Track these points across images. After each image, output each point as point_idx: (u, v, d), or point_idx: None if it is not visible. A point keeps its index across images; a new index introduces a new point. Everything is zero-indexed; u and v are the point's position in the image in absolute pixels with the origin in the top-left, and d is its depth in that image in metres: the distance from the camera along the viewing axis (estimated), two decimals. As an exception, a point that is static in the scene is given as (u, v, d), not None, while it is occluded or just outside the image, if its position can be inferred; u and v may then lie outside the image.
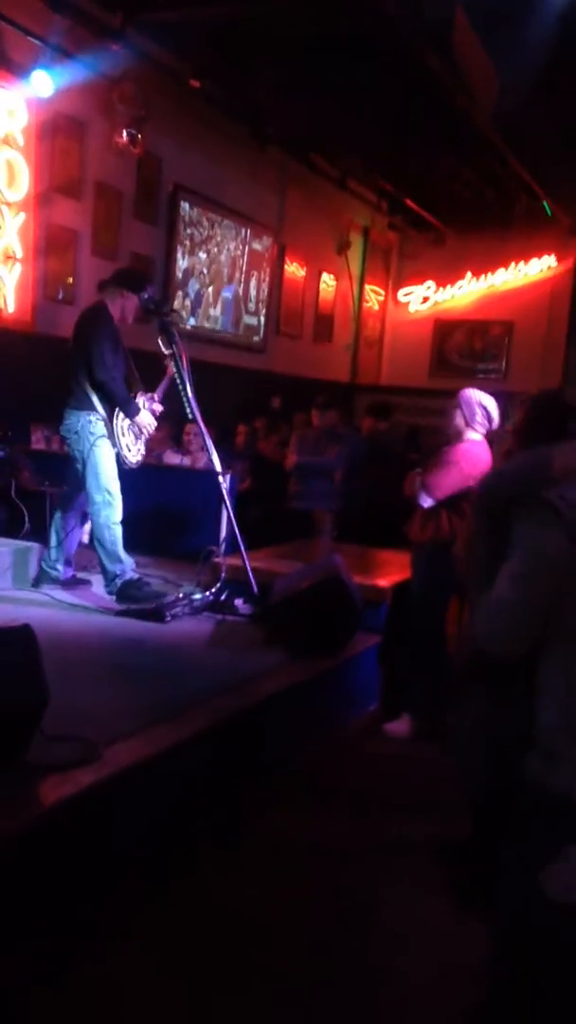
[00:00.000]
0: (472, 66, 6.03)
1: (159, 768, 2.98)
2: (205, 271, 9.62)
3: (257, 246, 10.48)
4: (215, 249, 9.72)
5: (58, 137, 7.40)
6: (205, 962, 2.60)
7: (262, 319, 10.76)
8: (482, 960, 2.04)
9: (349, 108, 8.30)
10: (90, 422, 4.81)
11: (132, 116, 7.83)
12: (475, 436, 4.63)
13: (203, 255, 9.54)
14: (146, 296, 4.90)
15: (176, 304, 8.84)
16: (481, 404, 4.60)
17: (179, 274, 9.14)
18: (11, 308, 7.02)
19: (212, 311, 9.85)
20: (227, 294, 10.07)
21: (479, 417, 4.59)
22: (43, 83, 6.71)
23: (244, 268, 10.30)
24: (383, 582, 4.91)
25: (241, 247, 10.19)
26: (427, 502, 4.56)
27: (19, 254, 7.02)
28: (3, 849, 2.34)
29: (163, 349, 4.81)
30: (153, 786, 2.98)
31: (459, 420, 4.61)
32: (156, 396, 5.06)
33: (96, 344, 4.73)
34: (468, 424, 4.60)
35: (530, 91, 5.86)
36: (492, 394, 4.66)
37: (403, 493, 4.82)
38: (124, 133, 7.79)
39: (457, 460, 4.55)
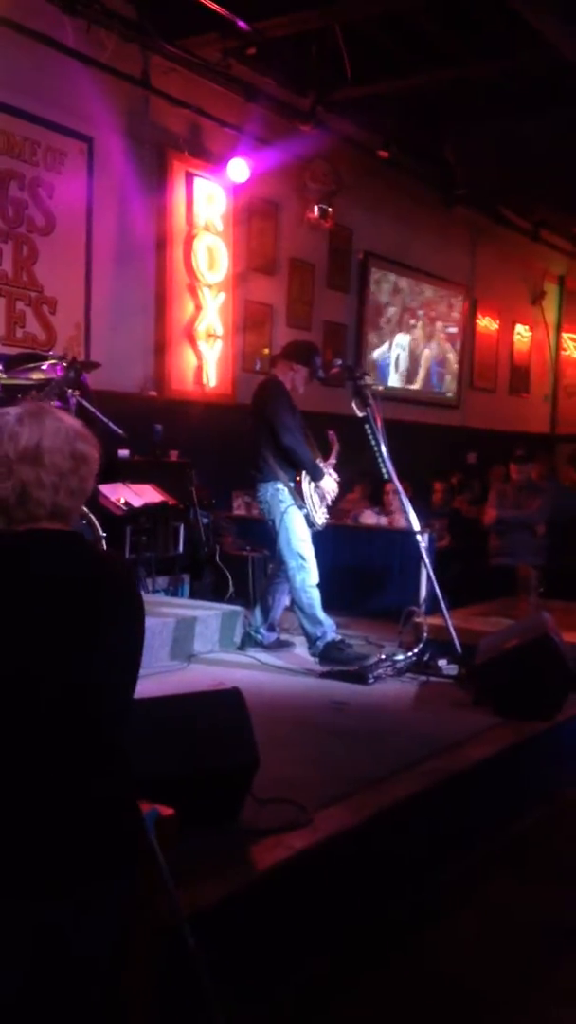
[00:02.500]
0: None
1: (368, 834, 2.95)
2: (397, 333, 9.73)
3: (448, 304, 10.50)
4: (407, 310, 9.82)
5: (254, 219, 7.79)
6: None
7: (455, 375, 10.71)
8: None
9: (537, 159, 8.23)
10: (278, 490, 4.98)
11: (323, 192, 8.13)
12: None
13: (395, 317, 9.66)
14: (315, 367, 5.08)
15: (367, 365, 8.99)
16: None
17: (372, 337, 9.30)
18: (213, 382, 7.39)
19: (405, 370, 9.92)
20: (420, 352, 10.12)
21: None
22: (240, 170, 7.11)
23: (436, 326, 10.33)
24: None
25: (433, 306, 10.25)
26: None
27: (220, 331, 7.39)
28: (216, 913, 2.37)
29: (357, 412, 4.90)
30: (361, 852, 2.94)
31: None
32: (331, 461, 5.18)
33: (275, 414, 4.94)
34: None
35: None
36: None
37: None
38: (315, 208, 8.09)
39: None
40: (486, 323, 11.32)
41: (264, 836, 2.74)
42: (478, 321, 11.14)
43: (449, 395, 10.69)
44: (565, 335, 13.23)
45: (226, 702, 2.86)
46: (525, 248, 11.32)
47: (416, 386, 10.12)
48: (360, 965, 2.77)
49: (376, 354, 9.43)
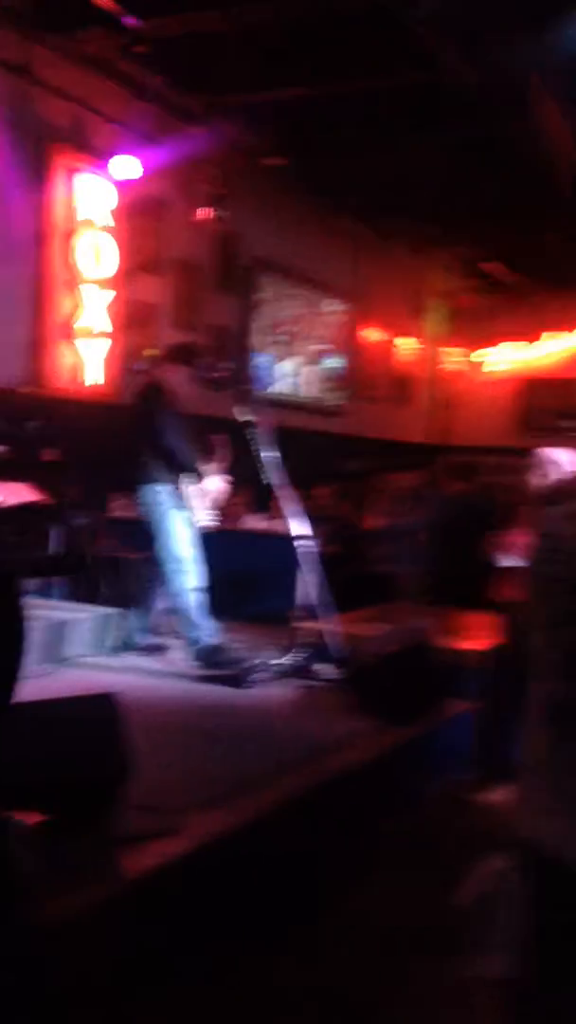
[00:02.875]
0: (551, 129, 6.05)
1: (242, 840, 2.90)
2: (283, 339, 9.77)
3: (334, 313, 10.61)
4: (292, 317, 9.87)
5: (141, 217, 7.67)
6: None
7: (340, 383, 10.83)
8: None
9: (423, 175, 8.41)
10: (158, 492, 4.89)
11: (211, 194, 8.08)
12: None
13: (280, 323, 9.69)
14: (197, 368, 5.05)
15: (252, 370, 8.98)
16: (552, 460, 4.54)
17: (256, 342, 9.30)
18: (94, 380, 7.22)
19: (289, 377, 9.96)
20: (304, 360, 10.18)
21: (554, 475, 4.53)
22: (125, 167, 6.97)
23: (321, 335, 10.42)
24: (476, 645, 4.77)
25: (318, 315, 10.33)
26: (507, 562, 4.46)
27: (105, 329, 7.23)
28: (81, 922, 2.28)
29: (238, 417, 4.87)
30: (235, 858, 2.89)
31: (535, 478, 4.56)
32: (218, 464, 5.13)
33: (157, 415, 4.86)
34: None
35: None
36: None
37: (488, 554, 4.76)
38: (203, 211, 8.03)
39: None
40: (369, 333, 11.50)
41: (134, 843, 2.66)
42: (362, 332, 11.30)
43: (334, 403, 10.79)
44: (447, 348, 13.57)
45: (97, 706, 2.77)
46: (409, 262, 11.56)
47: (301, 393, 10.17)
48: (231, 972, 2.72)
49: (262, 360, 9.43)
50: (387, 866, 3.58)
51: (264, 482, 4.90)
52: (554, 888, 1.45)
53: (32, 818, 2.10)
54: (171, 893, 2.60)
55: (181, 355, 5.16)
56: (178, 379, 5.02)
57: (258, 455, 4.80)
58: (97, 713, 2.76)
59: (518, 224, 10.50)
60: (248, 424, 4.83)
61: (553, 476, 4.51)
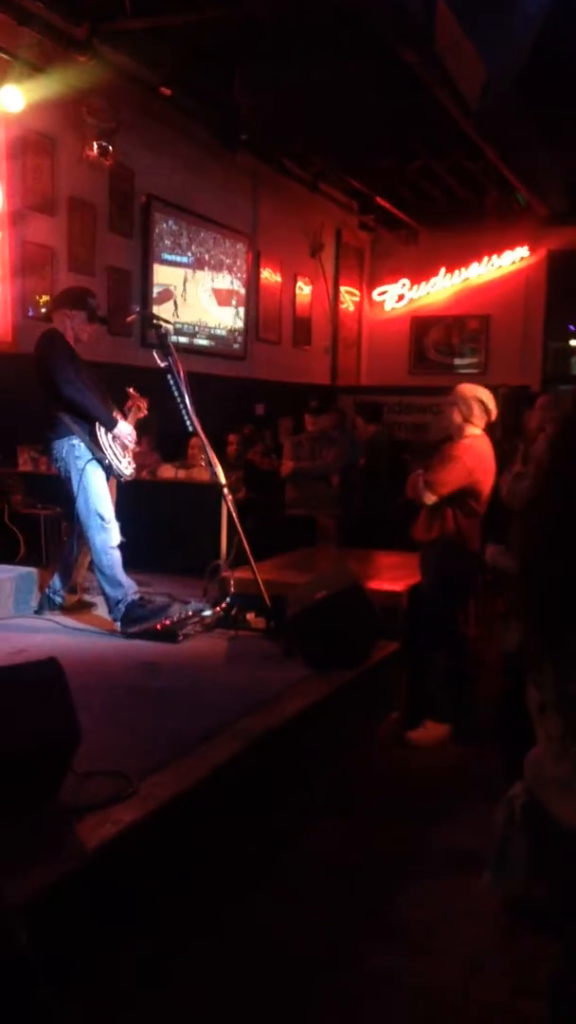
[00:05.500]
0: (455, 59, 5.94)
1: (197, 799, 2.86)
2: (182, 281, 9.50)
3: (233, 253, 10.38)
4: (191, 258, 9.60)
5: (28, 153, 7.26)
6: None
7: (240, 326, 10.65)
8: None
9: (320, 108, 8.20)
10: (74, 446, 4.70)
11: (101, 128, 7.71)
12: (475, 431, 4.60)
13: (179, 265, 9.42)
14: (91, 309, 4.84)
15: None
16: (477, 399, 4.60)
17: (156, 285, 9.01)
18: (-9, 329, 6.88)
19: (191, 320, 9.73)
20: (205, 303, 9.95)
21: (476, 411, 4.59)
22: (12, 98, 6.57)
23: (221, 276, 10.19)
24: (397, 586, 4.82)
25: (216, 255, 10.08)
26: (431, 499, 4.51)
27: (-3, 274, 6.88)
28: (48, 898, 2.21)
29: (159, 362, 4.70)
30: (191, 818, 2.86)
31: (457, 416, 4.60)
32: (131, 414, 4.96)
33: (56, 366, 4.63)
34: (466, 420, 4.60)
35: (512, 83, 5.78)
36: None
37: (403, 494, 4.79)
38: (95, 146, 7.66)
39: (460, 456, 4.53)
40: (268, 274, 11.32)
41: (89, 812, 2.59)
42: (261, 272, 11.11)
43: (236, 346, 10.62)
44: (343, 288, 13.51)
45: (42, 674, 2.66)
46: (305, 200, 11.36)
47: (202, 337, 9.96)
48: (194, 935, 2.71)
49: (161, 304, 9.16)
50: (335, 810, 3.63)
51: (189, 429, 4.75)
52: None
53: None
54: (136, 858, 2.55)
55: (70, 299, 4.92)
56: (73, 324, 4.79)
57: (182, 402, 4.65)
58: (42, 680, 2.65)
59: (410, 160, 10.46)
60: (168, 370, 4.66)
61: (477, 412, 4.56)
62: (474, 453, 4.57)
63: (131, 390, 4.97)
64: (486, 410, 4.60)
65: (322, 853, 3.33)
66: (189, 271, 9.60)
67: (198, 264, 9.73)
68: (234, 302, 10.49)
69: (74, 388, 4.63)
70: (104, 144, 7.70)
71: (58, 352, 4.68)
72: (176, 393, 4.66)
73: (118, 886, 2.49)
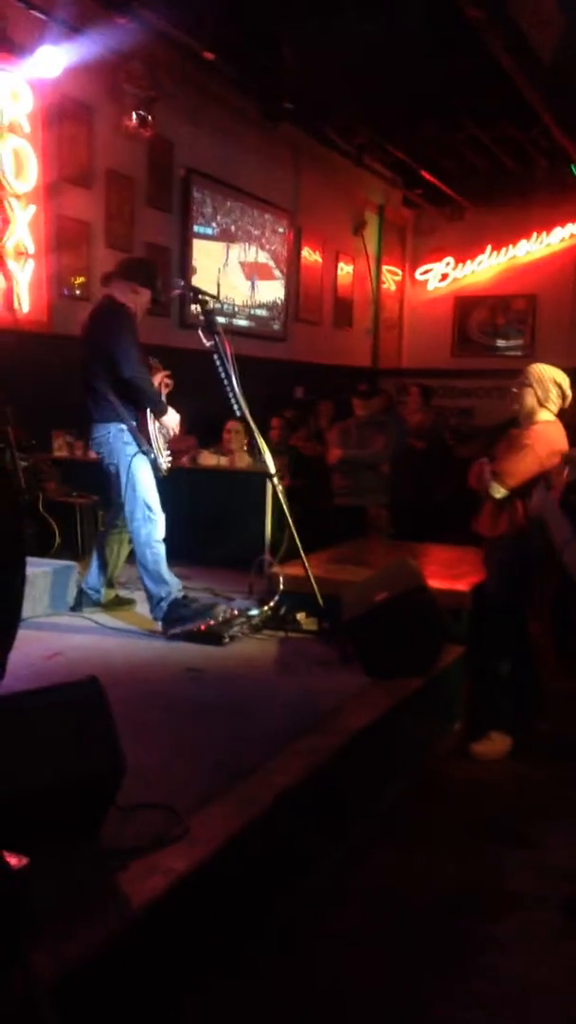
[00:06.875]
0: (527, 12, 5.46)
1: (254, 837, 2.51)
2: (222, 259, 9.12)
3: (274, 231, 9.97)
4: (230, 235, 9.21)
5: (65, 122, 6.90)
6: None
7: (282, 306, 10.26)
8: None
9: (366, 76, 7.75)
10: (122, 431, 4.33)
11: (141, 97, 7.33)
12: (547, 416, 4.19)
13: (218, 240, 9.03)
14: (158, 291, 4.45)
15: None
16: (555, 380, 4.19)
17: (196, 264, 8.64)
18: (26, 308, 6.54)
19: (229, 300, 9.35)
20: (244, 282, 9.56)
21: (553, 395, 4.18)
22: (50, 62, 6.19)
23: (261, 254, 9.79)
24: (461, 585, 4.44)
25: (256, 232, 9.68)
26: (500, 493, 4.11)
27: (31, 249, 6.53)
28: (85, 970, 1.88)
29: (204, 342, 4.31)
30: (247, 857, 2.51)
31: (531, 399, 4.19)
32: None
33: (121, 346, 4.20)
34: (542, 403, 4.18)
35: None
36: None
37: (454, 482, 4.38)
38: (133, 115, 7.29)
39: (532, 443, 4.12)
40: (308, 253, 10.89)
41: (134, 857, 2.25)
42: (303, 252, 10.70)
43: (276, 327, 10.22)
44: (385, 267, 13.05)
45: (82, 696, 2.32)
46: (348, 174, 10.92)
47: (243, 318, 9.58)
48: (243, 983, 2.38)
49: (202, 282, 8.78)
50: (398, 835, 3.28)
51: (236, 414, 4.37)
52: None
53: (13, 860, 1.68)
54: (186, 914, 2.21)
55: (139, 272, 4.49)
56: (137, 300, 4.40)
57: (229, 384, 4.27)
58: (81, 702, 2.31)
59: (456, 131, 9.97)
60: (215, 350, 4.28)
61: (554, 397, 4.16)
62: (547, 440, 4.16)
63: (153, 361, 4.56)
64: (563, 394, 4.19)
65: (385, 887, 2.98)
66: (229, 248, 9.21)
67: (238, 241, 9.34)
68: (275, 280, 10.09)
69: (139, 372, 4.26)
70: (143, 113, 7.33)
71: (126, 330, 4.27)
72: (223, 375, 4.28)
73: (163, 950, 2.15)
